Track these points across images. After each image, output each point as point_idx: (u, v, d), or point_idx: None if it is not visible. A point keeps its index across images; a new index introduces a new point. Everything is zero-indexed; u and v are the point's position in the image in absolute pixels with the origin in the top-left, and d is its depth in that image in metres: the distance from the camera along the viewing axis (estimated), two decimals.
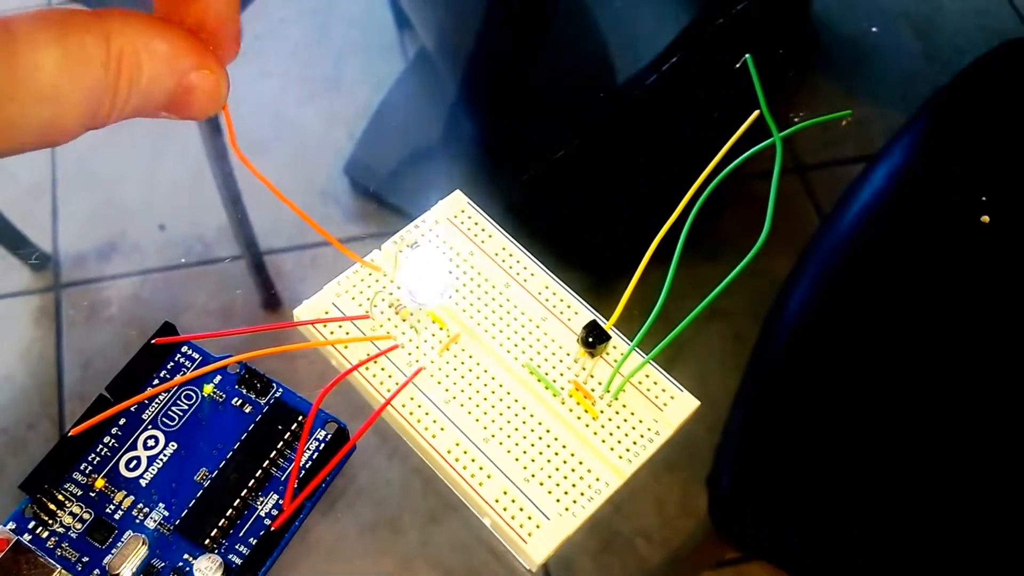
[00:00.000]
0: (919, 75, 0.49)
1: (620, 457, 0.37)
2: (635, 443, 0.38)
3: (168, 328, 0.38)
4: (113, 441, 0.37)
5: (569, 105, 0.47)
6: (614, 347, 0.39)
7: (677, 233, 0.41)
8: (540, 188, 0.44)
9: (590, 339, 0.37)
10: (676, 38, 0.50)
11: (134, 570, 0.35)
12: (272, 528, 0.35)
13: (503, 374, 0.39)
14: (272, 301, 0.41)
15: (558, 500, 0.36)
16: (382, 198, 0.41)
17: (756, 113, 0.45)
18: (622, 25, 0.50)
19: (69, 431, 0.36)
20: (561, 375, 0.39)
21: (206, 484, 0.36)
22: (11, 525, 0.35)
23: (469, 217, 0.42)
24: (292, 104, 0.39)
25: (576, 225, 0.44)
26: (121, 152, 0.36)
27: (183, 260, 0.41)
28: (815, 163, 0.44)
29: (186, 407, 0.38)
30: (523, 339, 0.39)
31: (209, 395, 0.38)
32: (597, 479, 0.37)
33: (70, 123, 0.23)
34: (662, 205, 0.42)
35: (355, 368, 0.38)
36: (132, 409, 0.37)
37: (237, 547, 0.35)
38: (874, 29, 0.48)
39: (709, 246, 0.42)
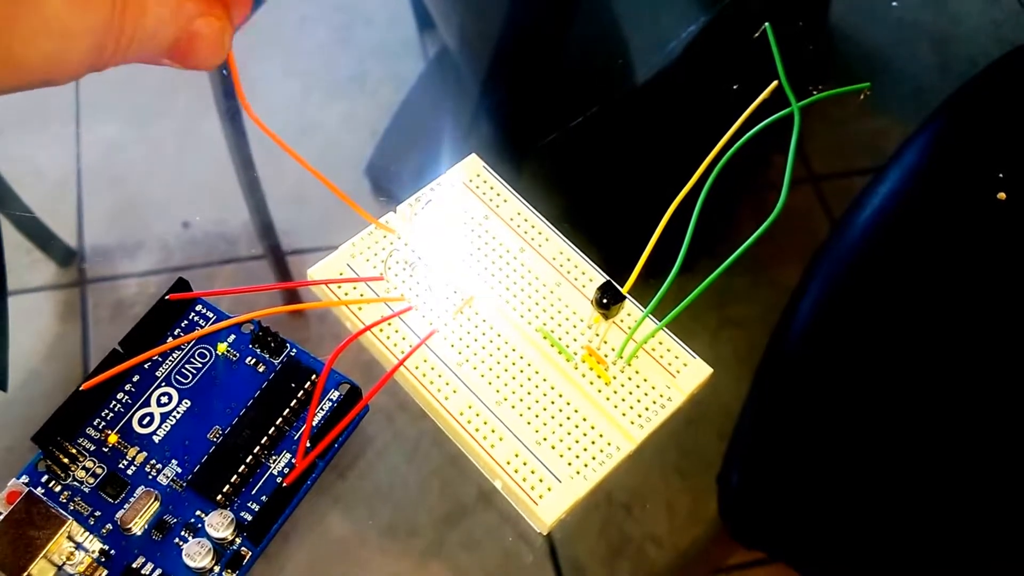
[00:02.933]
0: (934, 88, 0.46)
1: (632, 423, 0.36)
2: (647, 409, 0.36)
3: (182, 284, 0.36)
4: (126, 397, 0.35)
5: (588, 72, 0.45)
6: (628, 314, 0.38)
7: (693, 201, 0.39)
8: (557, 154, 0.42)
9: (604, 300, 0.35)
10: (696, 8, 0.48)
11: (146, 525, 0.33)
12: (284, 485, 0.34)
13: (516, 338, 0.37)
14: (293, 300, 0.39)
15: (569, 464, 0.35)
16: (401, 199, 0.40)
17: (774, 84, 0.43)
18: None
19: (81, 384, 0.34)
20: (575, 340, 0.37)
21: (219, 441, 0.35)
22: (24, 479, 0.34)
23: (484, 182, 0.40)
24: (315, 104, 0.38)
25: (591, 192, 0.42)
26: (146, 150, 0.35)
27: (207, 258, 0.40)
28: (828, 173, 0.42)
29: (200, 365, 0.36)
30: (537, 304, 0.38)
31: (223, 353, 0.36)
32: (608, 444, 0.35)
33: (74, 60, 0.21)
34: (678, 174, 0.40)
35: (368, 328, 0.36)
36: (146, 366, 0.36)
37: (249, 504, 0.34)
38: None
39: (725, 216, 0.40)
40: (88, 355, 0.37)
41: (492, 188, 0.40)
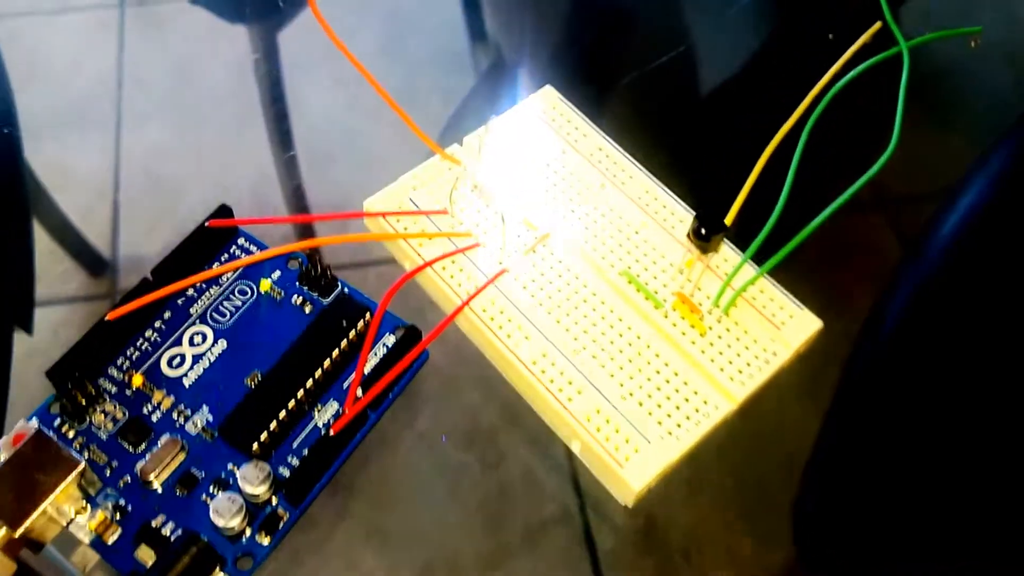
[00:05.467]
0: (1009, 105, 0.40)
1: (731, 379, 0.29)
2: (748, 364, 0.30)
3: (224, 210, 0.31)
4: (155, 335, 0.30)
5: (673, 9, 0.40)
6: (724, 259, 0.32)
7: (789, 147, 0.34)
8: (639, 95, 0.37)
9: (703, 230, 0.29)
10: None
11: (169, 478, 0.28)
12: (330, 434, 0.28)
13: (596, 281, 0.31)
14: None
15: (659, 423, 0.29)
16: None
17: (877, 25, 0.38)
18: None
19: (107, 315, 0.29)
20: (664, 287, 0.31)
21: (256, 385, 0.29)
22: (34, 421, 0.28)
23: (561, 115, 0.34)
24: (362, 114, 0.34)
25: (678, 135, 0.37)
26: (186, 156, 0.31)
27: None
28: (901, 196, 0.36)
29: (239, 303, 0.31)
30: (620, 245, 0.32)
31: (266, 291, 0.31)
32: (705, 402, 0.29)
33: None
34: (772, 118, 0.35)
35: (430, 264, 0.30)
36: (179, 302, 0.30)
37: (288, 459, 0.28)
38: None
39: (827, 160, 0.34)
40: None
41: (569, 122, 0.34)
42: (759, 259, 0.31)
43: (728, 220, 0.31)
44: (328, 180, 0.33)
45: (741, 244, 0.32)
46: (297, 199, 0.34)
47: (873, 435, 0.30)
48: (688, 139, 0.36)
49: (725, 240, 0.31)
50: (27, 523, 0.25)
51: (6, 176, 0.33)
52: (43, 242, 0.32)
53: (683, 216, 0.32)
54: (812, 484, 0.29)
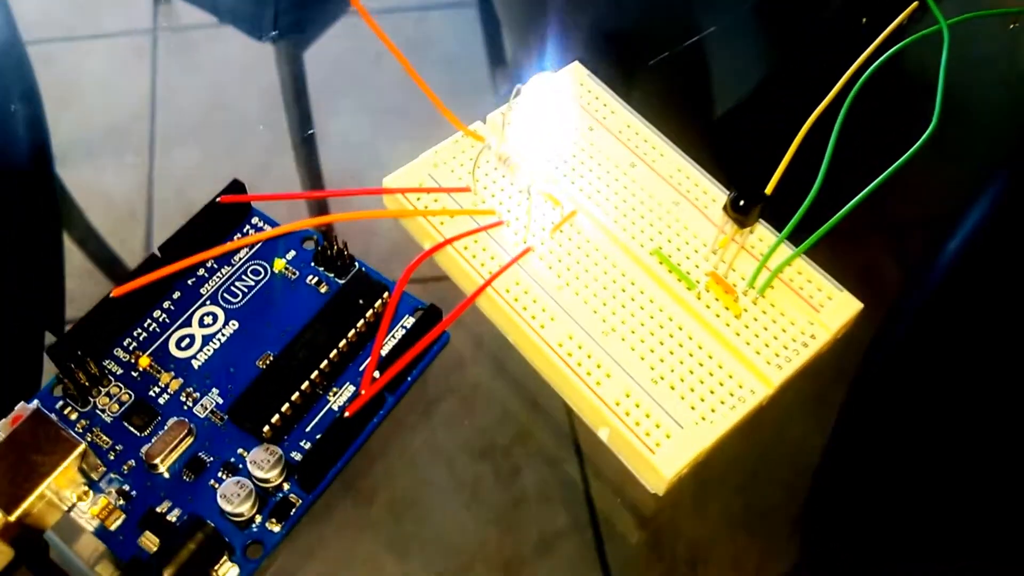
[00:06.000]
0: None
1: (768, 362, 0.28)
2: (785, 347, 0.28)
3: (237, 186, 0.30)
4: (164, 316, 0.28)
5: None
6: (760, 239, 0.30)
7: (825, 128, 0.32)
8: (669, 74, 0.35)
9: (741, 202, 0.27)
10: None
11: (175, 462, 0.26)
12: (345, 416, 0.26)
13: (626, 261, 0.29)
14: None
15: (692, 407, 0.27)
16: None
17: (913, 5, 0.36)
18: None
19: (112, 291, 0.27)
20: (696, 267, 0.29)
21: (269, 365, 0.27)
22: (35, 404, 0.27)
23: (589, 91, 0.33)
24: (387, 139, 0.33)
25: (710, 114, 0.35)
26: (217, 178, 0.30)
27: None
28: (902, 222, 0.35)
29: (252, 283, 0.29)
30: (651, 224, 0.30)
31: (280, 271, 0.29)
32: (740, 386, 0.27)
33: None
34: (808, 99, 0.33)
35: (451, 241, 0.29)
36: (189, 282, 0.29)
37: (301, 443, 0.26)
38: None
39: (866, 139, 0.33)
40: None
41: (598, 98, 0.33)
42: (795, 240, 0.30)
43: (768, 190, 0.29)
44: (358, 206, 0.32)
45: (777, 226, 0.30)
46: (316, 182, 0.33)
47: (879, 441, 0.29)
48: (721, 120, 0.35)
49: (760, 221, 0.30)
50: (23, 507, 0.24)
51: (38, 193, 0.33)
52: (76, 261, 0.31)
53: (716, 195, 0.31)
54: (822, 486, 0.28)
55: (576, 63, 0.33)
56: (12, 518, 0.24)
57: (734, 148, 0.33)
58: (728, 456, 0.28)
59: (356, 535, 0.26)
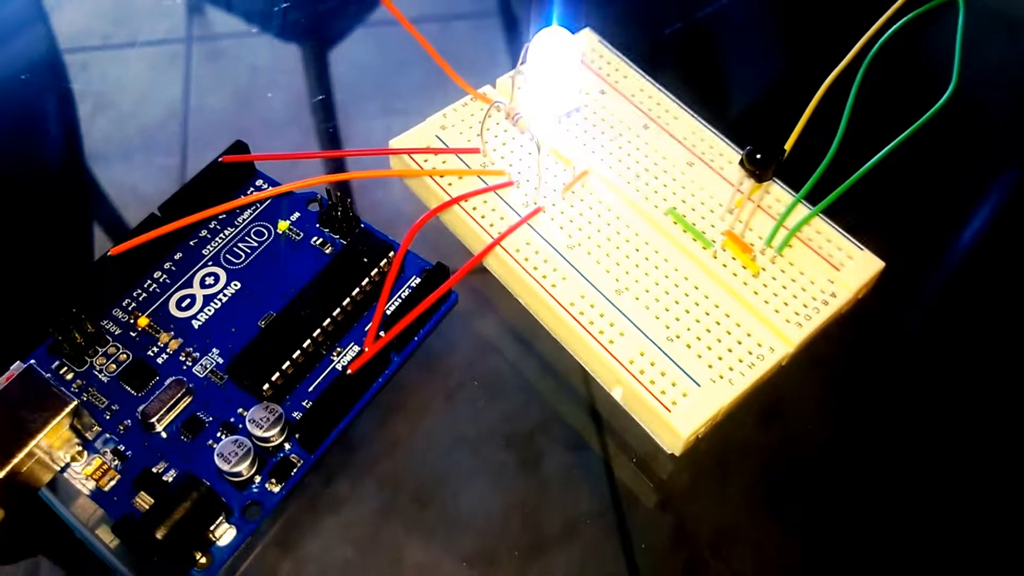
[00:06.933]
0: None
1: (787, 321, 0.26)
2: (805, 306, 0.26)
3: (240, 147, 0.28)
4: (164, 277, 0.27)
5: None
6: (777, 200, 0.29)
7: (842, 93, 0.31)
8: (683, 45, 0.34)
9: (758, 156, 0.25)
10: None
11: (172, 421, 0.25)
12: (348, 373, 0.25)
13: (639, 221, 0.28)
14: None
15: (710, 366, 0.25)
16: None
17: None
18: None
19: (110, 250, 0.26)
20: (712, 226, 0.28)
21: (270, 323, 0.26)
22: (32, 363, 0.26)
23: (600, 56, 0.32)
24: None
25: (726, 84, 0.34)
26: None
27: None
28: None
29: (255, 244, 0.28)
30: (665, 185, 0.29)
31: (284, 232, 0.28)
32: (759, 344, 0.26)
33: None
34: (825, 69, 0.32)
35: (459, 200, 0.27)
36: (192, 244, 0.28)
37: (303, 403, 0.25)
38: None
39: (882, 101, 0.32)
40: None
41: (609, 63, 0.31)
42: (813, 202, 0.28)
43: (787, 146, 0.28)
44: (380, 201, 0.32)
45: (794, 189, 0.29)
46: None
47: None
48: (736, 88, 0.34)
49: (777, 181, 0.29)
50: (11, 464, 0.23)
51: (68, 186, 0.32)
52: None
53: (732, 156, 0.29)
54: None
55: (587, 29, 0.32)
56: (0, 475, 0.23)
57: (750, 117, 0.32)
58: (752, 443, 0.26)
59: (381, 520, 0.25)
